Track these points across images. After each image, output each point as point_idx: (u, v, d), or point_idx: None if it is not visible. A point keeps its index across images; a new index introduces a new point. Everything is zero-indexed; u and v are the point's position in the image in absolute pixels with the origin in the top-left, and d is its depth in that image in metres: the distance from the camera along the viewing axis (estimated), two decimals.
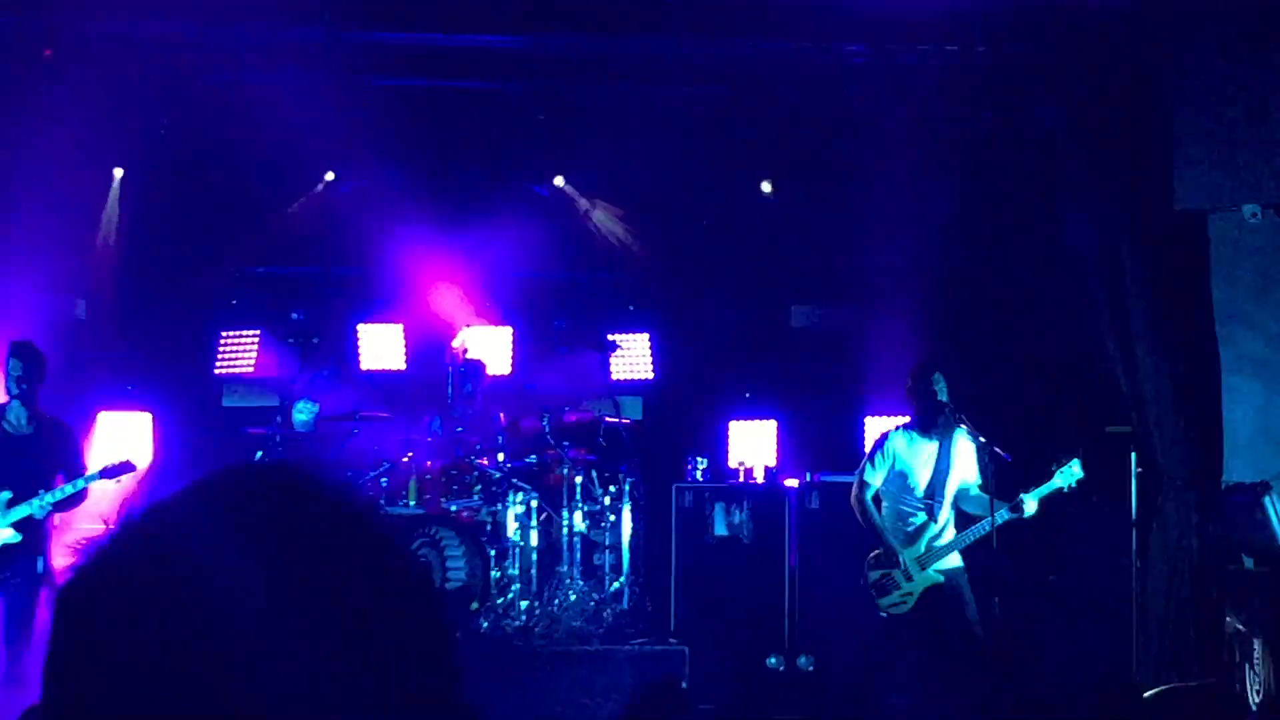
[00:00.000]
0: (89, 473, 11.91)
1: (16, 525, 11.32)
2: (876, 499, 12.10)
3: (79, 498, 11.79)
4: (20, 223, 14.87)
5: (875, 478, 12.04)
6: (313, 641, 1.56)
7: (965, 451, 11.94)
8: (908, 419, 12.28)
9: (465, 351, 14.92)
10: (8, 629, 11.13)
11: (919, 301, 15.12)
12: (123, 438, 15.48)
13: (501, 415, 14.68)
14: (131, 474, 12.09)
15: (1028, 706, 9.29)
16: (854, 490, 12.18)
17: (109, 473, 11.88)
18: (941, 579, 11.87)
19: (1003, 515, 11.60)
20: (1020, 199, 14.95)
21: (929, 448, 11.94)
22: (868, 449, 12.87)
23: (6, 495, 11.29)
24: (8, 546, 11.24)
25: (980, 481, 11.92)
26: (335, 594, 1.59)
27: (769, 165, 16.03)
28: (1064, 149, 13.98)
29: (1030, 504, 11.57)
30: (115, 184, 15.83)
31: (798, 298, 16.64)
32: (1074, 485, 11.72)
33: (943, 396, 11.81)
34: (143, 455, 15.50)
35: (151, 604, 1.56)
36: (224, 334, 16.29)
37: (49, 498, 11.47)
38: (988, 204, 15.17)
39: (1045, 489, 11.64)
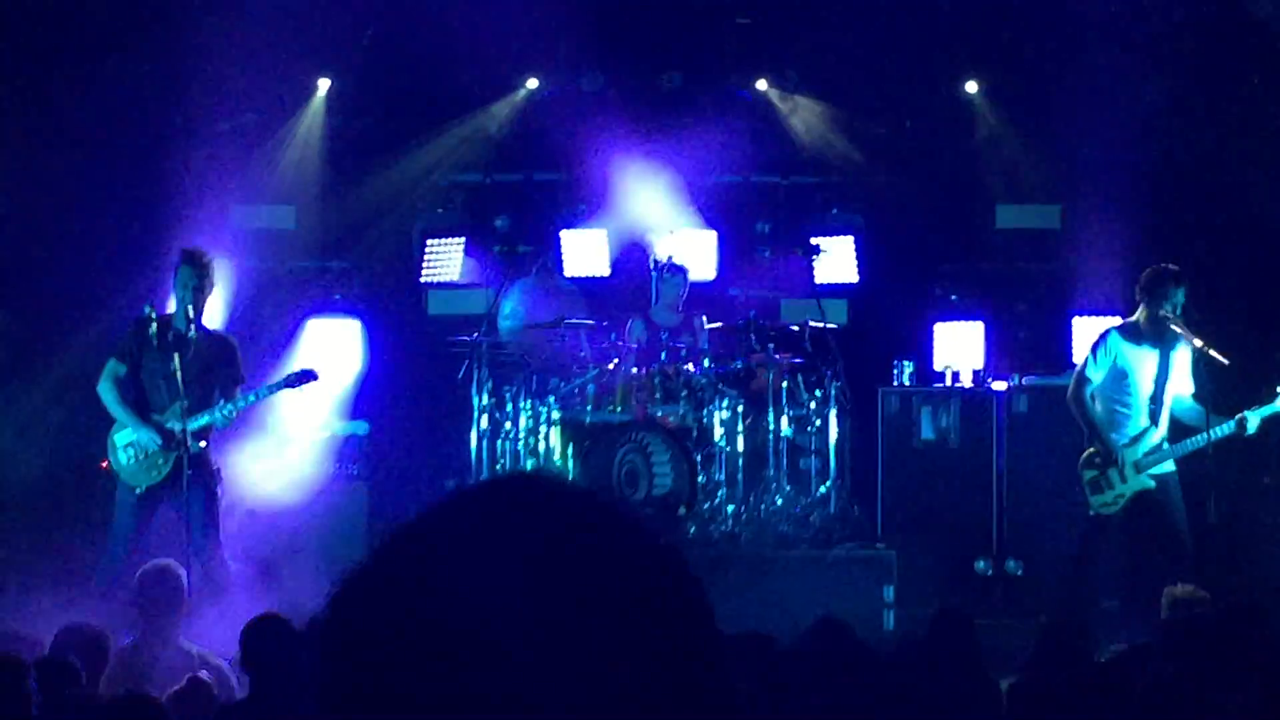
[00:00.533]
0: (272, 381, 12.09)
1: (196, 434, 11.46)
2: (1092, 397, 11.87)
3: (257, 406, 12.01)
4: (229, 133, 15.09)
5: (1096, 374, 11.80)
6: (588, 662, 1.55)
7: (1184, 359, 11.69)
8: (1127, 319, 12.02)
9: (670, 257, 14.89)
10: (193, 539, 11.29)
11: (1128, 199, 14.82)
12: (331, 344, 15.72)
13: (705, 318, 14.65)
14: (314, 382, 12.24)
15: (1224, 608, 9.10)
16: (1071, 386, 11.96)
17: (291, 381, 12.04)
18: (1153, 484, 11.67)
19: (1223, 429, 11.39)
20: (1235, 93, 14.57)
21: (1151, 352, 11.68)
22: (1079, 350, 12.67)
23: (183, 402, 11.42)
24: (182, 434, 11.40)
25: (1195, 391, 11.67)
26: (610, 610, 1.58)
27: (975, 62, 15.78)
28: (1277, 40, 13.59)
29: (1253, 421, 11.33)
30: (320, 94, 15.98)
31: (1003, 198, 16.38)
32: None
33: (1177, 310, 11.51)
34: (351, 361, 15.74)
35: (423, 622, 1.57)
36: (429, 241, 16.41)
37: (230, 406, 11.61)
38: (1202, 97, 14.80)
39: (1268, 410, 11.38)
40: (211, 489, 11.57)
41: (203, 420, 11.46)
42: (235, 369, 11.89)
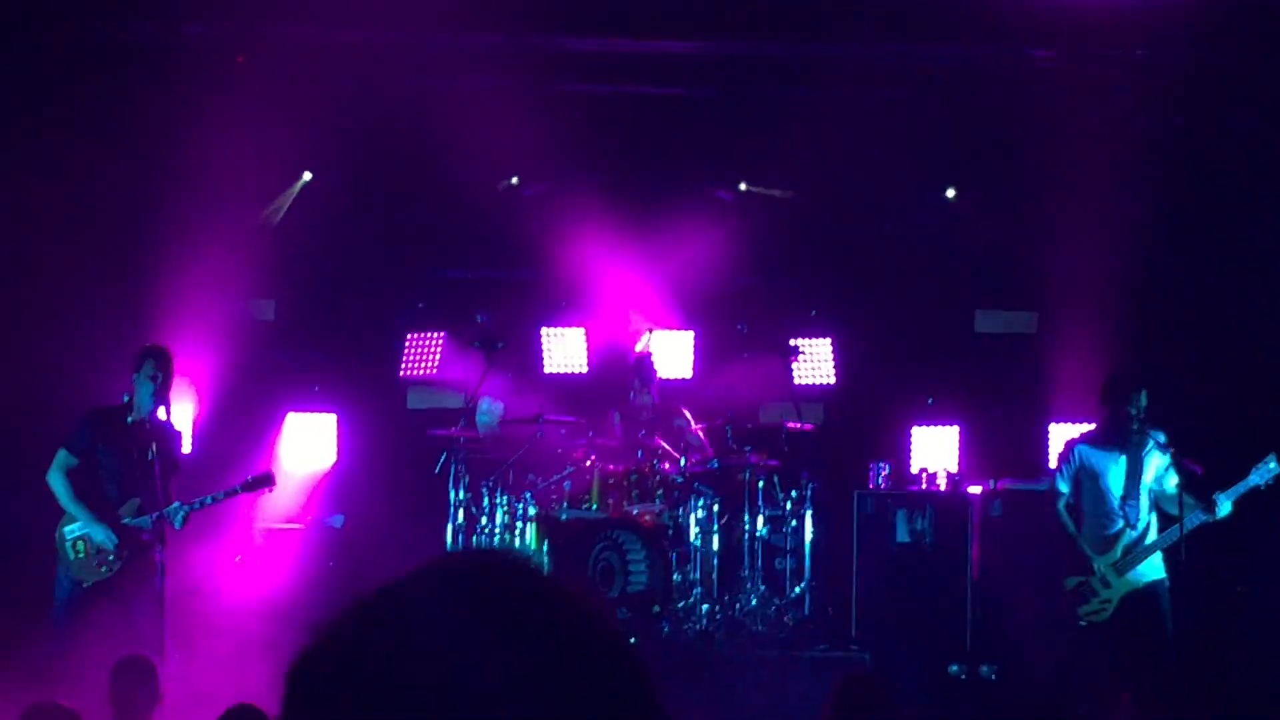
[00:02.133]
0: (234, 486, 12.07)
1: (153, 531, 11.44)
2: (1073, 509, 11.93)
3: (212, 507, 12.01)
4: (212, 226, 15.14)
5: (1065, 486, 11.89)
6: None
7: (1158, 462, 11.74)
8: (1094, 427, 12.12)
9: (648, 354, 14.98)
10: (158, 632, 11.21)
11: (1105, 308, 14.92)
12: (309, 438, 15.77)
13: (687, 413, 14.70)
14: (271, 488, 12.28)
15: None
16: (1047, 498, 12.08)
17: (249, 486, 12.07)
18: (1141, 586, 11.70)
19: (1196, 518, 11.44)
20: (1209, 205, 14.70)
21: (1118, 456, 11.75)
22: (1055, 455, 12.73)
23: (135, 503, 11.45)
24: (136, 532, 11.40)
25: (1181, 480, 11.70)
26: (563, 682, 1.61)
27: (954, 170, 15.92)
28: (1257, 154, 13.74)
29: (1224, 504, 11.38)
30: (297, 185, 16.02)
31: (982, 303, 16.48)
32: (1270, 482, 11.49)
33: (1141, 413, 11.59)
34: (327, 455, 15.78)
35: (384, 687, 1.59)
36: (409, 336, 16.47)
37: (186, 509, 11.58)
38: (1176, 210, 14.94)
39: (1240, 488, 11.43)
40: (162, 586, 11.50)
41: (149, 520, 11.45)
42: (176, 455, 11.95)
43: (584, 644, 1.66)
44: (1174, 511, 11.70)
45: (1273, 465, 11.47)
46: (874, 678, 8.11)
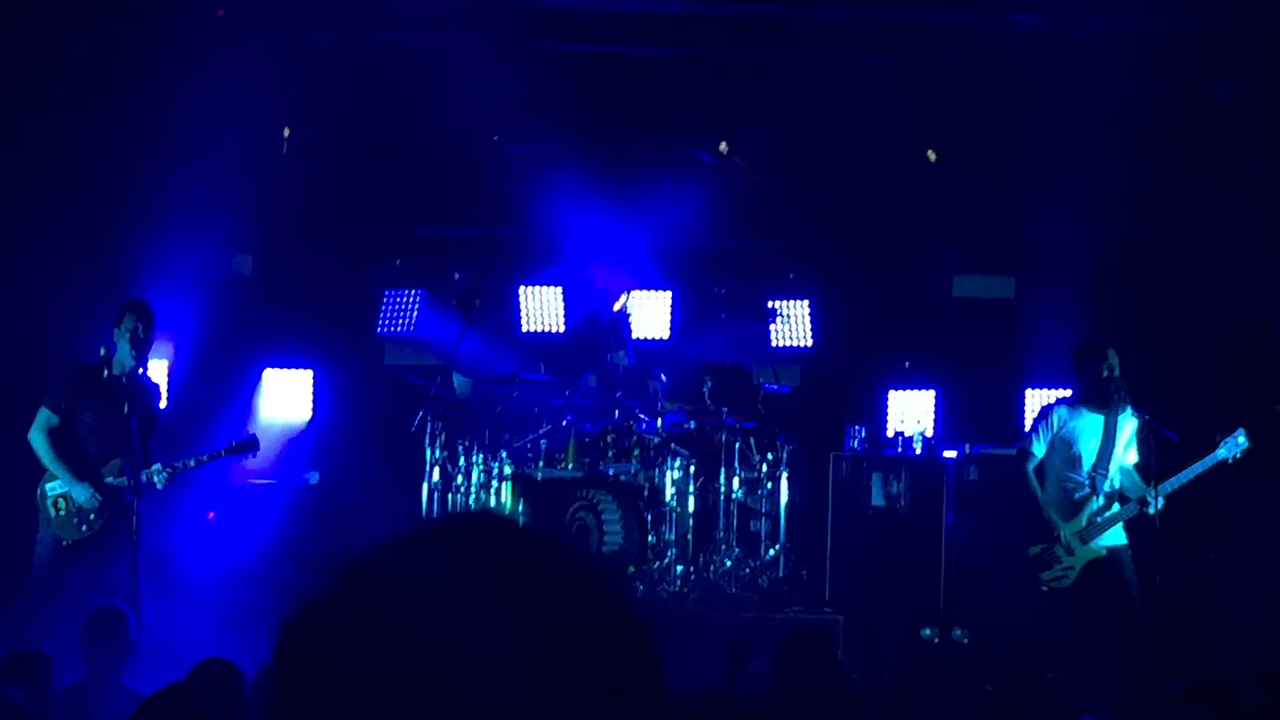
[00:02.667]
0: (213, 450, 12.06)
1: (131, 489, 11.42)
2: (1039, 472, 11.98)
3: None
4: (190, 181, 15.07)
5: (1039, 448, 11.93)
6: (535, 694, 1.57)
7: (1129, 428, 11.80)
8: (1072, 392, 12.17)
9: (625, 314, 14.99)
10: (139, 587, 11.21)
11: (1083, 275, 14.94)
12: (286, 393, 15.76)
13: (662, 376, 14.71)
14: (256, 451, 12.28)
15: (1188, 686, 9.18)
16: (1016, 459, 12.10)
17: (233, 450, 12.08)
18: (1104, 553, 11.76)
19: (1130, 510, 11.60)
20: (1190, 173, 14.71)
21: (1095, 422, 11.80)
22: (1030, 421, 12.77)
23: (118, 462, 11.44)
24: (118, 491, 11.42)
25: (1139, 460, 11.79)
26: (557, 646, 1.60)
27: (935, 134, 15.89)
28: (1237, 122, 13.75)
29: (1155, 498, 11.47)
30: (282, 142, 16.00)
31: (960, 268, 16.49)
32: (1239, 456, 11.55)
33: (1115, 373, 11.68)
34: (303, 410, 15.77)
35: (378, 652, 1.59)
36: (387, 293, 16.44)
37: (167, 470, 11.57)
38: (1156, 177, 14.95)
39: (1173, 483, 11.50)
40: (141, 541, 11.48)
41: (141, 478, 11.43)
42: (155, 410, 11.94)
43: (583, 605, 1.65)
44: (1131, 491, 11.77)
45: (1242, 440, 11.53)
46: (819, 631, 8.14)
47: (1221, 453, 11.51)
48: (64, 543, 11.57)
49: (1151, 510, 11.49)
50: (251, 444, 12.20)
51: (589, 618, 1.65)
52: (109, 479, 11.50)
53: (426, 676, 1.56)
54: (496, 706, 1.56)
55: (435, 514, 14.17)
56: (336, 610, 1.65)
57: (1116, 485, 11.84)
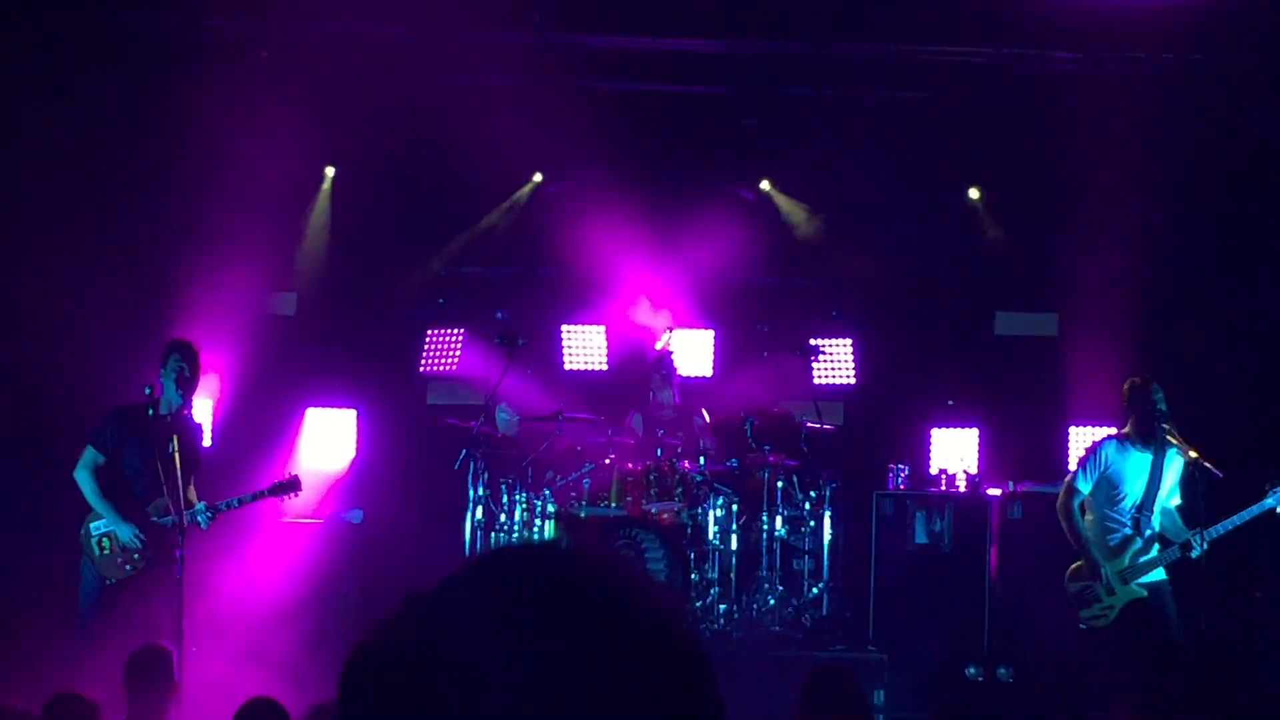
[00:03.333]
0: (256, 489, 12.07)
1: (175, 529, 11.41)
2: (1081, 508, 11.92)
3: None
4: (235, 220, 15.15)
5: (1085, 485, 11.86)
6: None
7: (1175, 468, 11.73)
8: (1120, 430, 12.10)
9: (668, 352, 15.00)
10: (157, 608, 11.22)
11: (1126, 311, 14.90)
12: (329, 433, 15.79)
13: (705, 413, 14.70)
14: (297, 492, 12.29)
15: None
16: (1061, 496, 12.01)
17: (275, 490, 12.08)
18: (1144, 593, 11.68)
19: (1172, 554, 11.54)
20: (1233, 208, 14.68)
21: (1142, 460, 11.73)
22: (1074, 458, 12.72)
23: (163, 502, 11.46)
24: (161, 530, 11.44)
25: (1182, 504, 11.71)
26: (614, 682, 1.61)
27: (976, 171, 15.89)
28: (1278, 159, 13.72)
29: (1196, 544, 11.38)
30: (326, 182, 16.09)
31: (1003, 305, 16.46)
32: None
33: (1161, 408, 11.61)
34: (347, 451, 15.80)
35: (441, 685, 1.60)
36: (429, 332, 16.47)
37: (210, 511, 11.60)
38: (1198, 213, 14.92)
39: (1215, 531, 11.41)
40: (181, 582, 11.50)
41: (185, 518, 11.44)
42: (199, 450, 12.00)
43: (648, 645, 1.65)
44: (1170, 529, 11.70)
45: None
46: (842, 671, 8.12)
47: (1270, 501, 11.39)
48: (108, 582, 11.60)
49: (1195, 554, 11.41)
50: (293, 484, 12.21)
51: (644, 642, 1.65)
52: (154, 518, 11.54)
53: (488, 707, 1.57)
54: None
55: (479, 552, 14.15)
56: (399, 642, 1.66)
57: (1157, 528, 11.77)
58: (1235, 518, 11.43)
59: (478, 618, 1.64)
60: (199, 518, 11.54)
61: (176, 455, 11.35)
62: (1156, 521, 11.75)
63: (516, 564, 1.73)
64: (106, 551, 11.59)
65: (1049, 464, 14.94)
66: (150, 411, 11.42)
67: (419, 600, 1.68)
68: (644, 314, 16.05)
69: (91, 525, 11.65)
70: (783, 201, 16.40)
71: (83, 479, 11.65)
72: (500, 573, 1.71)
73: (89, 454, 11.68)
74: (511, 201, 16.48)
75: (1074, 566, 11.91)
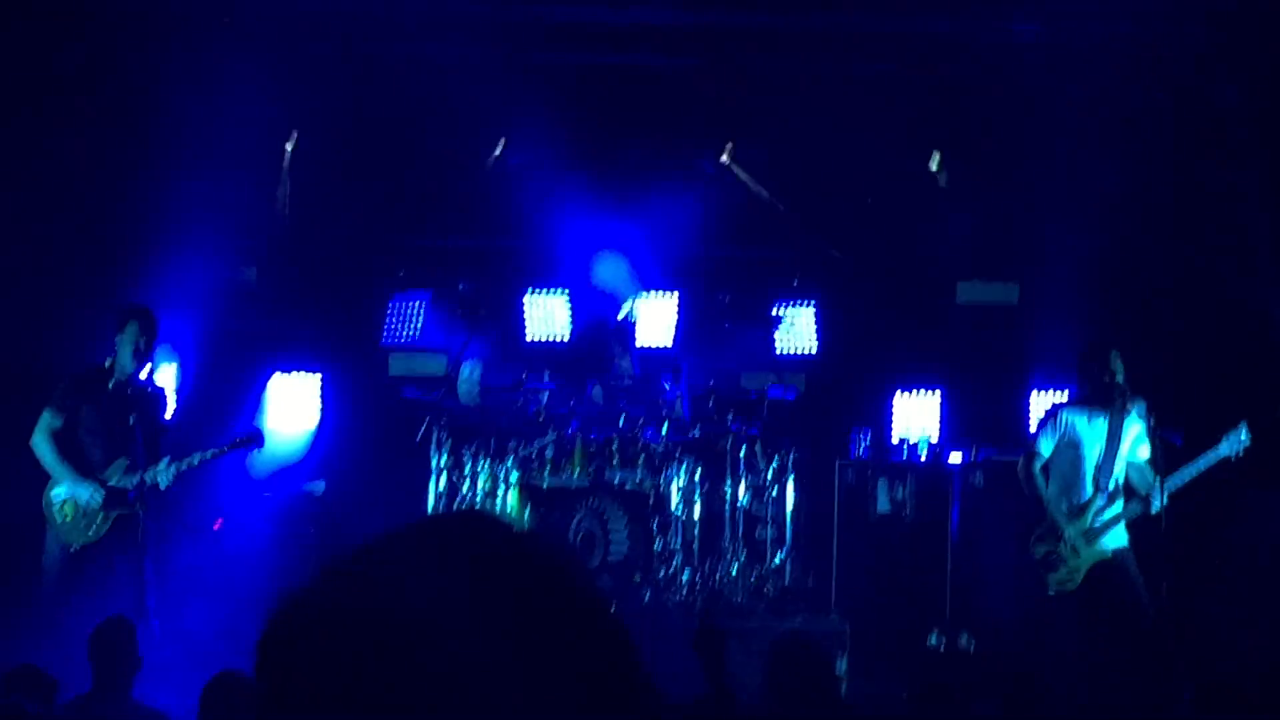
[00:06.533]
0: (218, 445, 12.06)
1: (136, 490, 11.43)
2: (1044, 471, 11.98)
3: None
4: (195, 191, 15.10)
5: (1046, 448, 11.93)
6: (511, 690, 1.59)
7: (1136, 428, 11.81)
8: (1077, 393, 12.18)
9: (629, 322, 15.01)
10: (145, 596, 11.21)
11: (1086, 279, 14.96)
12: (294, 399, 15.80)
13: (666, 385, 14.72)
14: (260, 446, 12.26)
15: (1196, 688, 9.19)
16: (1021, 461, 12.08)
17: (237, 445, 12.05)
18: (1109, 555, 11.77)
19: (1133, 509, 11.64)
20: (1191, 178, 14.74)
21: (1100, 424, 11.81)
22: (1036, 422, 12.79)
23: (122, 463, 11.45)
24: (121, 493, 11.43)
25: (1151, 455, 11.78)
26: (543, 648, 1.61)
27: (937, 142, 15.92)
28: (1237, 128, 13.77)
29: (1157, 499, 11.48)
30: (288, 151, 16.03)
31: (964, 274, 16.51)
32: (1240, 453, 11.54)
33: (1119, 375, 11.69)
34: (311, 416, 15.80)
35: (358, 650, 1.60)
36: (391, 302, 16.45)
37: (173, 467, 11.58)
38: (1157, 183, 14.97)
39: (1174, 481, 11.51)
40: (148, 548, 11.50)
41: (146, 478, 11.43)
42: (161, 418, 11.95)
43: (563, 609, 1.66)
44: (1137, 483, 11.80)
45: (1244, 436, 11.54)
46: (807, 640, 8.18)
47: (1224, 449, 11.51)
48: (71, 548, 11.57)
49: (1156, 508, 11.49)
50: (255, 438, 12.17)
51: (558, 611, 1.65)
52: (112, 481, 11.50)
53: (403, 668, 1.57)
54: (470, 699, 1.57)
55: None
56: (317, 605, 1.66)
57: (1122, 481, 11.84)
58: (1190, 466, 11.55)
59: (399, 583, 1.64)
60: (160, 477, 11.48)
61: (135, 422, 11.34)
62: (1121, 476, 11.83)
63: (440, 530, 1.75)
64: (69, 518, 11.56)
65: (1011, 431, 15.01)
66: (110, 381, 11.41)
67: (337, 567, 1.68)
68: (606, 267, 15.98)
69: (53, 493, 11.62)
70: (742, 173, 16.40)
71: (39, 444, 11.62)
72: (422, 539, 1.72)
73: (45, 418, 11.65)
74: (473, 172, 16.42)
75: (1038, 531, 11.98)
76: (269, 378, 15.85)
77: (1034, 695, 8.60)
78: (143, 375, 11.74)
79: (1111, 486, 11.83)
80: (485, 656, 1.58)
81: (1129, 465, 11.87)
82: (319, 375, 16.07)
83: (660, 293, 16.25)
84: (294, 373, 16.01)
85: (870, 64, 14.98)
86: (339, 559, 1.69)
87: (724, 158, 16.34)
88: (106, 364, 11.49)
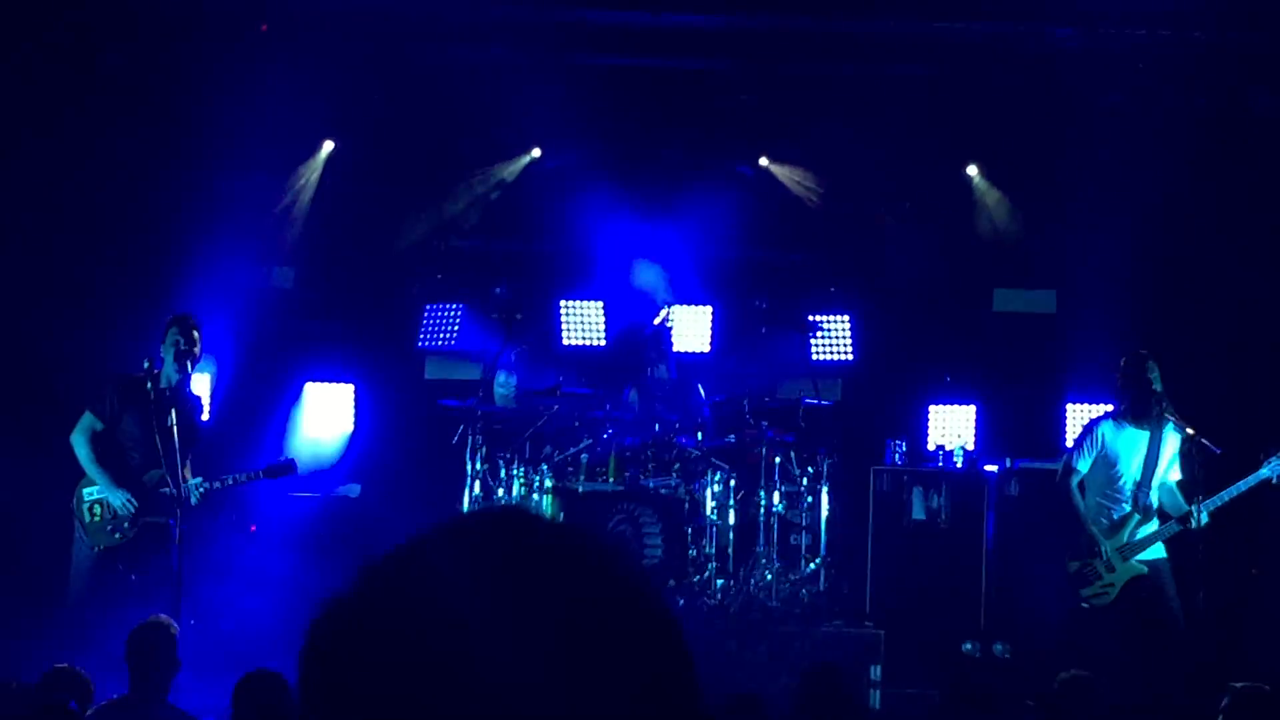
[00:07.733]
0: (256, 470, 12.07)
1: (168, 502, 11.43)
2: (1080, 486, 11.95)
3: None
4: (234, 195, 15.15)
5: (1083, 463, 11.89)
6: (560, 691, 1.56)
7: (1173, 444, 11.76)
8: (1116, 407, 12.13)
9: (666, 328, 14.98)
10: (179, 600, 11.21)
11: (1124, 288, 14.90)
12: (328, 407, 15.81)
13: (701, 389, 14.71)
14: (292, 474, 12.29)
15: (1231, 697, 9.14)
16: (1059, 476, 12.06)
17: (270, 472, 12.08)
18: (1145, 570, 11.72)
19: (1171, 529, 11.56)
20: (1232, 185, 14.68)
21: (1139, 438, 11.76)
22: (1072, 435, 12.74)
23: (159, 473, 11.46)
24: (155, 500, 11.45)
25: (1181, 478, 11.74)
26: (584, 642, 1.58)
27: (976, 148, 15.89)
28: (1277, 134, 13.72)
29: (1203, 515, 11.42)
30: (321, 155, 16.06)
31: (1001, 281, 16.46)
32: None
33: (1157, 386, 11.64)
34: (344, 424, 15.81)
35: (400, 650, 1.57)
36: (428, 307, 16.47)
37: (205, 486, 11.62)
38: (1198, 190, 14.91)
39: (1216, 501, 11.45)
40: (182, 549, 11.50)
41: (180, 491, 11.44)
42: (198, 423, 11.99)
43: (613, 601, 1.63)
44: (1168, 504, 11.75)
45: None
46: (837, 670, 8.19)
47: (1265, 472, 11.45)
48: (96, 549, 11.59)
49: (1194, 526, 11.45)
50: (289, 468, 12.20)
51: (612, 607, 1.62)
52: (147, 488, 11.53)
53: (449, 669, 1.55)
54: (521, 699, 1.54)
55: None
56: (361, 606, 1.63)
57: (1155, 503, 11.81)
58: (1232, 489, 11.49)
59: (438, 580, 1.61)
60: (191, 494, 11.52)
61: (175, 428, 11.36)
62: (1155, 497, 11.79)
63: (474, 526, 1.71)
64: (97, 518, 11.59)
65: (1046, 441, 14.95)
66: (149, 385, 11.42)
67: (378, 567, 1.66)
68: (643, 274, 15.96)
69: (84, 491, 11.65)
70: (782, 175, 16.38)
71: (79, 443, 11.63)
72: (459, 535, 1.68)
73: (87, 419, 11.66)
74: (510, 176, 16.44)
75: (1074, 545, 11.94)
76: (305, 382, 15.88)
77: (1078, 701, 8.56)
78: (185, 383, 11.76)
79: (1147, 502, 11.77)
80: (534, 656, 1.55)
81: (1160, 487, 11.81)
82: (352, 385, 16.07)
83: (695, 307, 16.21)
84: (329, 382, 16.01)
85: (908, 67, 14.96)
86: (378, 560, 1.66)
87: (762, 161, 16.31)
88: (145, 365, 11.49)
